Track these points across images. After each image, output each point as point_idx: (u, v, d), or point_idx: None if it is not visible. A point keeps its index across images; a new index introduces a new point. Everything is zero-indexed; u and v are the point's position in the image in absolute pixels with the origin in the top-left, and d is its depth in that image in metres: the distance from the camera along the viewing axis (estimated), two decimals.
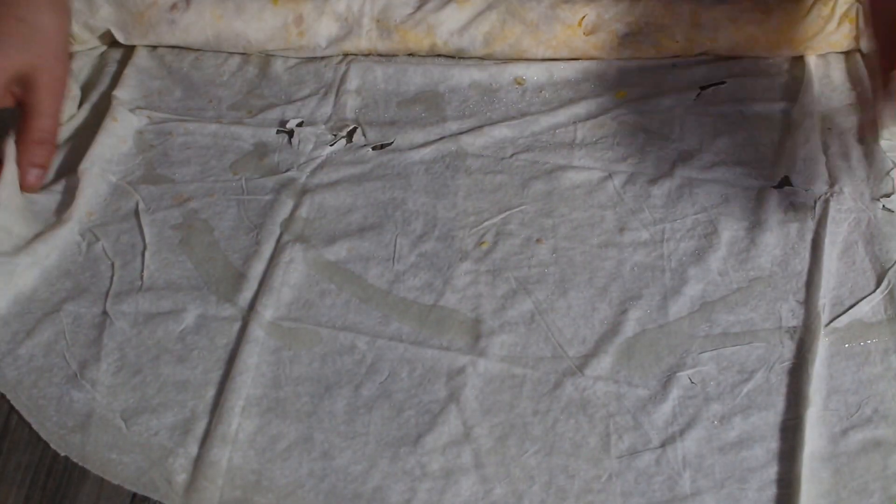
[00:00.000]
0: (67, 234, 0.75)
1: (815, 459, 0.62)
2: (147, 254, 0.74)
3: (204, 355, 0.69)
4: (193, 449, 0.65)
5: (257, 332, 0.70)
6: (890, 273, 0.71)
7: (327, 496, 0.63)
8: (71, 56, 0.82)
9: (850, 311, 0.69)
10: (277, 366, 0.68)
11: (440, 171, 0.79)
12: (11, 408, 0.67)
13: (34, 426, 0.66)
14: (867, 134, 0.77)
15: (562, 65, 0.85)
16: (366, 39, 0.85)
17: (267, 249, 0.75)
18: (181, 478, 0.63)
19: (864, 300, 0.70)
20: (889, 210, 0.75)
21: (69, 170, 0.79)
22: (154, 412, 0.66)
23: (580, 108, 0.83)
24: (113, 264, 0.74)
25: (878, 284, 0.71)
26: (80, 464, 0.64)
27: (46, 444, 0.65)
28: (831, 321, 0.69)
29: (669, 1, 0.83)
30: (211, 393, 0.67)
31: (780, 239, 0.74)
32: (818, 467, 0.62)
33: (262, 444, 0.65)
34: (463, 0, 0.84)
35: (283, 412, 0.66)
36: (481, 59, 0.86)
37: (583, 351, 0.69)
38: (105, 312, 0.72)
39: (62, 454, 0.65)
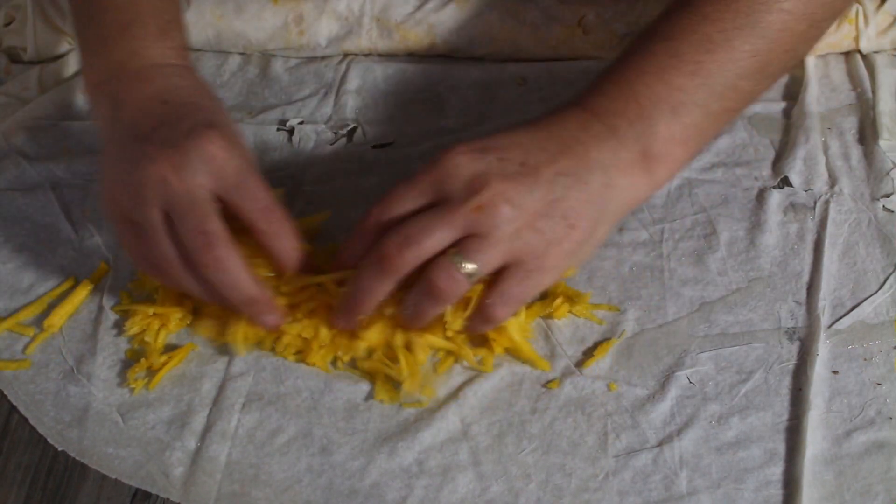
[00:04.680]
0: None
1: (817, 462, 0.62)
2: None
3: (199, 348, 0.69)
4: (191, 443, 0.65)
5: None
6: (894, 274, 0.71)
7: (325, 491, 0.63)
8: None
9: (853, 312, 0.69)
10: (278, 362, 0.68)
11: None
12: (11, 408, 0.67)
13: (31, 421, 0.66)
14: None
15: (562, 64, 0.85)
16: (366, 38, 0.86)
17: None
18: (178, 471, 0.64)
19: (867, 301, 0.70)
20: (889, 210, 0.75)
21: None
22: (150, 406, 0.67)
23: None
24: (108, 259, 0.74)
25: (881, 286, 0.70)
26: (78, 458, 0.65)
27: (46, 444, 0.65)
28: (833, 323, 0.69)
29: (669, 1, 0.83)
30: (206, 387, 0.67)
31: (779, 240, 0.74)
32: (821, 470, 0.62)
33: (262, 438, 0.65)
34: (463, 0, 0.84)
35: (283, 407, 0.66)
36: (481, 58, 0.86)
37: (581, 350, 0.68)
38: (101, 307, 0.72)
39: (60, 449, 0.65)
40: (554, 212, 0.60)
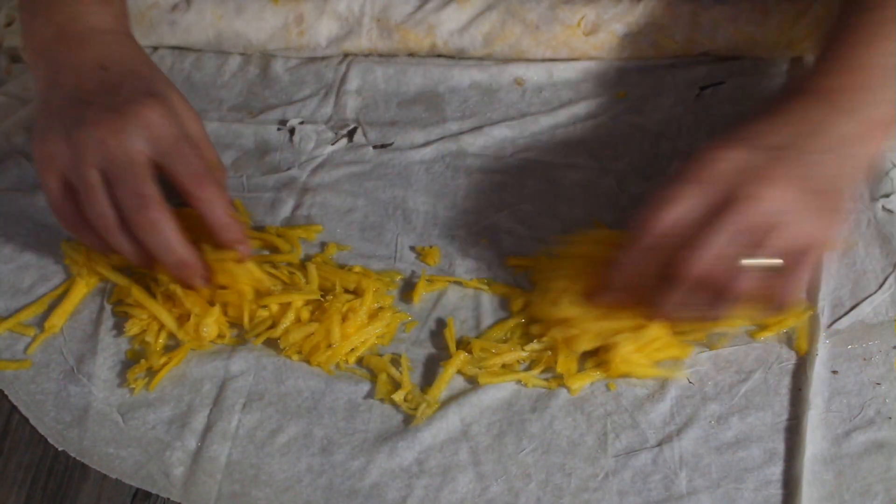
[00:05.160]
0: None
1: (817, 462, 0.62)
2: None
3: (199, 350, 0.69)
4: (191, 443, 0.65)
5: None
6: (894, 274, 0.71)
7: (325, 491, 0.63)
8: None
9: (852, 312, 0.69)
10: (279, 361, 0.68)
11: (440, 171, 0.80)
12: (12, 407, 0.67)
13: (32, 421, 0.66)
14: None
15: (561, 65, 0.85)
16: (366, 39, 0.86)
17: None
18: (179, 471, 0.64)
19: (866, 301, 0.70)
20: (889, 210, 0.75)
21: None
22: (151, 406, 0.67)
23: (580, 108, 0.83)
24: (109, 258, 0.74)
25: (880, 285, 0.70)
26: (78, 458, 0.65)
27: (47, 444, 0.65)
28: (832, 323, 0.69)
29: (669, 1, 0.84)
30: (207, 387, 0.67)
31: None
32: (820, 470, 0.62)
33: (262, 438, 0.65)
34: (463, 0, 0.85)
35: (283, 407, 0.66)
36: (481, 59, 0.86)
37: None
38: (101, 307, 0.72)
39: (60, 449, 0.65)
40: (819, 189, 0.62)
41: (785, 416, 0.65)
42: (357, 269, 0.73)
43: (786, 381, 0.66)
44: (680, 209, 0.62)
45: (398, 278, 0.73)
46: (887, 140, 0.66)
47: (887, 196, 0.75)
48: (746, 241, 0.60)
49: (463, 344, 0.68)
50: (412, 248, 0.75)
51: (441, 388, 0.66)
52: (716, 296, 0.62)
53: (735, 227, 0.60)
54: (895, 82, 0.65)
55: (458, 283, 0.73)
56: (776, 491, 0.62)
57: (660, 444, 0.64)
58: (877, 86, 0.65)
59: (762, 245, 0.60)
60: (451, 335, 0.69)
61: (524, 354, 0.67)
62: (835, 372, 0.67)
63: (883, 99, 0.65)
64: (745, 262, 0.60)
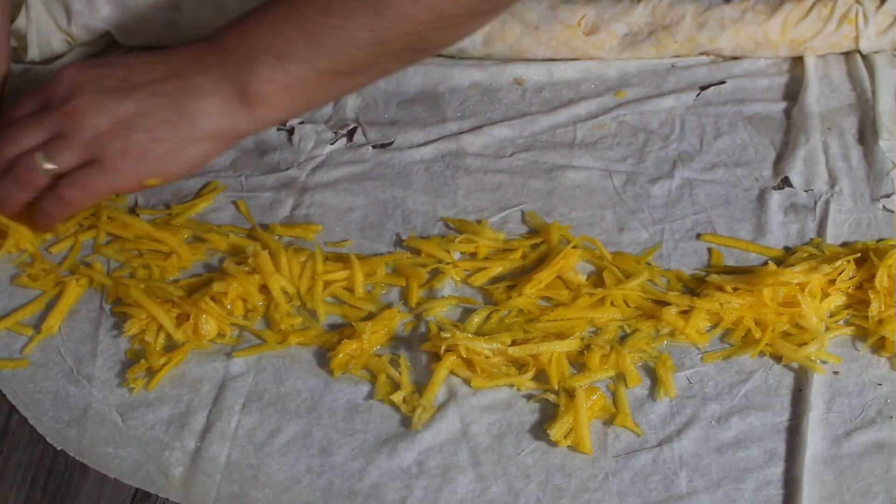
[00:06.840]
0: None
1: (817, 462, 0.62)
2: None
3: (198, 349, 0.69)
4: (190, 443, 0.65)
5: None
6: None
7: (324, 492, 0.62)
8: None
9: None
10: (278, 362, 0.68)
11: (440, 171, 0.80)
12: (12, 408, 0.67)
13: (30, 421, 0.66)
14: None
15: (562, 65, 0.85)
16: None
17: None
18: (178, 471, 0.63)
19: None
20: (889, 210, 0.75)
21: None
22: (150, 406, 0.66)
23: (580, 108, 0.83)
24: (108, 260, 0.74)
25: None
26: (77, 458, 0.64)
27: (47, 444, 0.65)
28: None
29: (669, 1, 0.84)
30: (206, 387, 0.67)
31: (780, 240, 0.74)
32: (821, 470, 0.62)
33: (261, 438, 0.65)
34: None
35: (283, 408, 0.66)
36: (481, 58, 0.86)
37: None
38: (101, 308, 0.72)
39: (59, 448, 0.65)
40: (138, 124, 0.67)
41: (785, 417, 0.65)
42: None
43: (786, 382, 0.66)
44: (18, 109, 0.69)
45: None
46: (261, 114, 0.69)
47: (887, 196, 0.75)
48: (42, 138, 0.67)
49: (455, 345, 0.68)
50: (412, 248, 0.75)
51: (434, 392, 0.66)
52: (10, 182, 0.68)
53: (35, 123, 0.67)
54: (281, 66, 0.67)
55: (458, 281, 0.73)
56: (776, 491, 0.62)
57: (660, 445, 0.64)
58: (256, 58, 0.67)
59: (50, 149, 0.67)
60: (439, 337, 0.68)
61: (512, 350, 0.66)
62: (836, 372, 0.67)
63: (256, 72, 0.67)
64: (33, 155, 0.67)
